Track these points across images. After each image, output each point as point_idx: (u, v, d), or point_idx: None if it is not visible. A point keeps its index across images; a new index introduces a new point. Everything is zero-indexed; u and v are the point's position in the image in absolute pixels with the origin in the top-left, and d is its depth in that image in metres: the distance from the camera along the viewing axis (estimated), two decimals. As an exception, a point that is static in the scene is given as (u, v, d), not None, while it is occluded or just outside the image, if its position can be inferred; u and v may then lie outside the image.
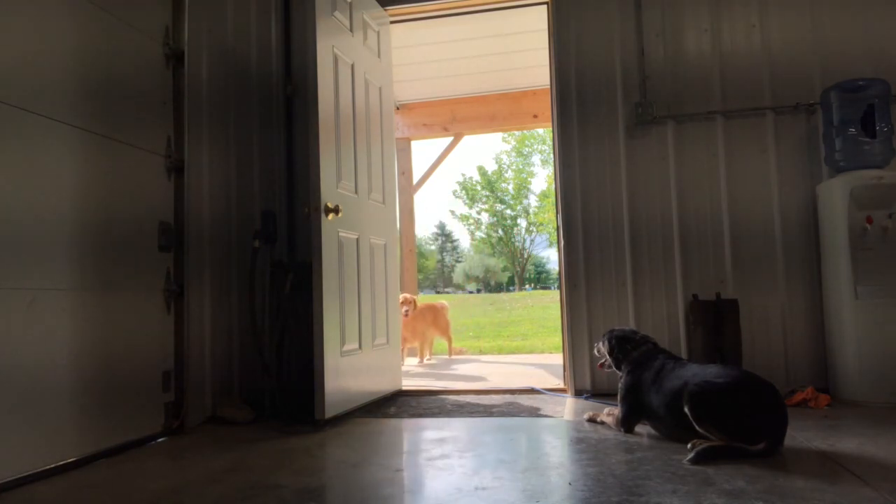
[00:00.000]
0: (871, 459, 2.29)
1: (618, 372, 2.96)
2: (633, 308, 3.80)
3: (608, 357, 2.99)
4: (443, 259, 56.38)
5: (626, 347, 2.92)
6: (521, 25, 5.20)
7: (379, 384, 3.83)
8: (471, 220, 42.20)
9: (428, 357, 6.33)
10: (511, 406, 3.58)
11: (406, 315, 5.64)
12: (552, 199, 17.07)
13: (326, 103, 3.34)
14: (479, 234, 43.66)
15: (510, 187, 40.81)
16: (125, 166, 2.96)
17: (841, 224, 3.36)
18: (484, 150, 73.74)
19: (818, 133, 3.66)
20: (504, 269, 48.67)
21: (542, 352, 7.66)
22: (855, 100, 3.44)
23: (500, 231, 42.90)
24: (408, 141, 7.35)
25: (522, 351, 7.93)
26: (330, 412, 3.17)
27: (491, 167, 43.97)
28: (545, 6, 4.11)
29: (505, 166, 40.33)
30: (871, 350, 3.25)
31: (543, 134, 35.20)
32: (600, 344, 3.10)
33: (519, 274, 45.06)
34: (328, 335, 3.20)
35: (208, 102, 3.64)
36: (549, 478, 2.22)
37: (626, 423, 2.82)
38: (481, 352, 8.03)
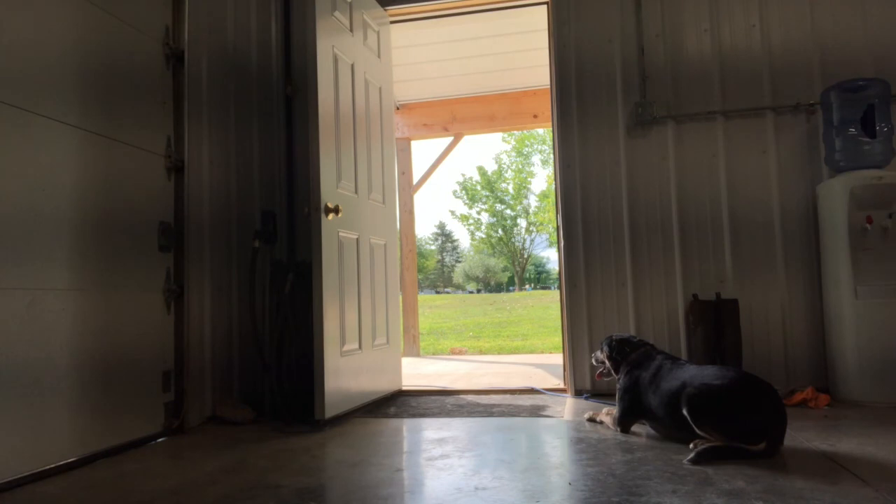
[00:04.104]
0: (871, 459, 2.29)
1: (616, 377, 2.96)
2: (632, 308, 3.80)
3: (607, 362, 3.00)
4: (443, 259, 56.44)
5: (625, 350, 2.93)
6: (521, 25, 5.20)
7: (379, 384, 3.83)
8: (471, 220, 42.21)
9: None
10: (511, 406, 3.58)
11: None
12: (552, 199, 17.06)
13: (326, 103, 3.34)
14: (479, 234, 43.67)
15: (510, 187, 40.82)
16: (125, 166, 2.96)
17: (841, 224, 3.36)
18: (484, 150, 74.02)
19: (818, 133, 3.66)
20: (504, 269, 48.71)
21: (542, 352, 7.66)
22: (855, 100, 3.44)
23: (500, 231, 42.91)
24: (408, 141, 7.35)
25: (522, 351, 7.93)
26: (330, 412, 3.17)
27: (491, 167, 44.13)
28: (545, 6, 4.11)
29: (505, 166, 40.35)
30: (871, 350, 3.25)
31: (543, 134, 35.24)
32: (598, 352, 3.10)
33: (519, 274, 45.08)
34: (328, 335, 3.20)
35: (208, 102, 3.64)
36: (549, 478, 2.22)
37: (623, 423, 2.83)
38: (481, 352, 8.03)
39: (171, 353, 3.21)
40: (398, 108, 7.09)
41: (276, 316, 3.54)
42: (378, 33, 4.12)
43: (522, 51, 5.79)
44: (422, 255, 48.24)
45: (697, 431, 2.39)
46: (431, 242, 56.27)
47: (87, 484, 2.34)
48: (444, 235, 57.18)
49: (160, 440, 3.05)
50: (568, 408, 3.48)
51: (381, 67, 4.14)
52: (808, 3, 3.74)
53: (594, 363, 3.15)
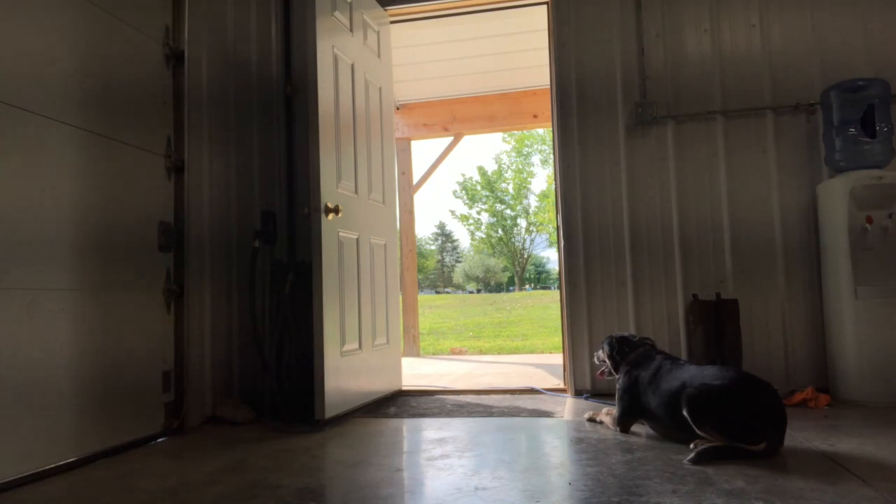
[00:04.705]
0: (871, 459, 2.29)
1: (616, 376, 2.96)
2: (632, 308, 3.80)
3: (608, 361, 2.99)
4: (443, 259, 56.46)
5: (624, 349, 2.93)
6: (521, 25, 5.20)
7: (379, 384, 3.83)
8: (471, 220, 42.19)
9: None
10: (511, 406, 3.58)
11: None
12: (552, 199, 17.05)
13: (326, 103, 3.34)
14: (479, 234, 43.65)
15: (510, 187, 40.81)
16: (125, 166, 2.96)
17: (841, 224, 3.36)
18: (484, 150, 74.05)
19: (818, 133, 3.66)
20: (504, 269, 48.71)
21: (542, 352, 7.66)
22: (855, 100, 3.44)
23: (500, 231, 42.90)
24: (408, 141, 7.35)
25: (522, 351, 7.93)
26: (330, 412, 3.17)
27: (491, 167, 44.07)
28: (545, 6, 4.11)
29: (505, 166, 40.33)
30: (871, 350, 3.25)
31: (543, 134, 35.21)
32: (600, 352, 3.10)
33: (519, 274, 45.07)
34: (328, 335, 3.20)
35: (208, 102, 3.64)
36: (549, 478, 2.23)
37: (622, 423, 2.83)
38: (481, 352, 8.03)
39: (170, 354, 3.21)
40: (398, 108, 7.09)
41: (276, 316, 3.54)
42: (378, 33, 4.12)
43: (522, 51, 5.79)
44: (422, 255, 48.26)
45: (697, 431, 2.39)
46: (431, 242, 56.29)
47: (87, 484, 2.35)
48: (444, 235, 57.20)
49: (160, 440, 3.05)
50: (568, 408, 3.48)
51: (381, 67, 4.14)
52: (808, 4, 3.74)
53: (596, 362, 3.14)
